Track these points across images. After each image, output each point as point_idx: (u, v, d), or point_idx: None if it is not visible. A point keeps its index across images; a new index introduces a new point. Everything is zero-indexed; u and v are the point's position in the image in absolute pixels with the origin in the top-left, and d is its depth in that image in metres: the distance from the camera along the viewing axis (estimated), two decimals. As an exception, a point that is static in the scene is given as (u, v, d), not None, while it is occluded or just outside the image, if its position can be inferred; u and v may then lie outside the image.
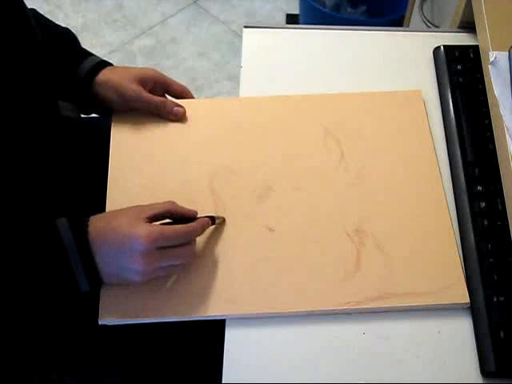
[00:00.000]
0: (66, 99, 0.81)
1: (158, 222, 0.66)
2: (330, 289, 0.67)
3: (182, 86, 0.84)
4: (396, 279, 0.68)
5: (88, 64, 0.79)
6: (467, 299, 0.67)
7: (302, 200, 0.74)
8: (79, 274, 0.63)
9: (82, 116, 0.88)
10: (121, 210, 0.67)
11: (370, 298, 0.67)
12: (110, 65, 0.81)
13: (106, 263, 0.64)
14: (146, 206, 0.67)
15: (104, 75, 0.79)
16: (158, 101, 0.79)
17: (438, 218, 0.72)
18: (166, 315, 0.66)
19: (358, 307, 0.66)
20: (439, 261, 0.69)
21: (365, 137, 0.79)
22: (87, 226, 0.64)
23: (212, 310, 0.66)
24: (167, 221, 0.67)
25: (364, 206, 0.73)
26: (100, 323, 0.66)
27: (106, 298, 0.67)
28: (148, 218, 0.64)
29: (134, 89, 0.78)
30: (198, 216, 0.68)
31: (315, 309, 0.66)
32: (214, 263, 0.69)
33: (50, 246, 0.63)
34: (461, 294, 0.67)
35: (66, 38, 0.82)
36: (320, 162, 0.77)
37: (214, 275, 0.68)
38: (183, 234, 0.65)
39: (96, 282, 0.65)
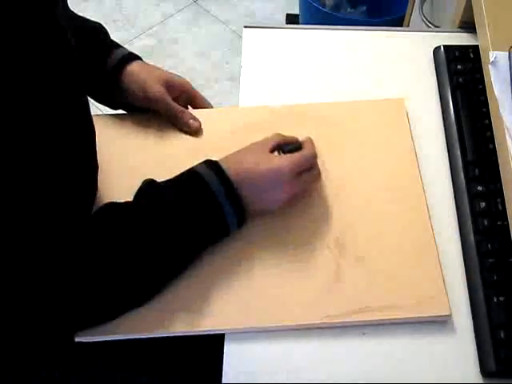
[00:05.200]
0: (95, 92, 0.81)
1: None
2: (308, 302, 0.66)
3: (208, 103, 0.84)
4: (376, 292, 0.67)
5: (119, 54, 0.79)
6: (448, 311, 0.65)
7: (281, 211, 0.72)
8: (228, 214, 0.66)
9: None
10: (242, 150, 0.70)
11: (349, 311, 0.65)
12: (140, 58, 0.81)
13: (249, 199, 0.67)
14: (262, 141, 0.71)
15: (133, 67, 0.79)
16: (177, 110, 0.80)
17: (420, 230, 0.71)
18: (143, 331, 0.65)
19: (336, 321, 0.65)
20: (420, 273, 0.68)
21: (346, 147, 0.78)
22: (224, 168, 0.67)
23: (190, 326, 0.65)
24: None
25: (345, 218, 0.72)
26: (76, 340, 0.65)
27: None
28: (270, 150, 0.70)
29: (158, 90, 0.78)
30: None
31: (293, 323, 0.65)
32: (194, 278, 0.68)
33: (199, 192, 0.65)
34: (442, 307, 0.66)
35: (99, 30, 0.82)
36: None
37: (194, 291, 0.67)
38: (311, 157, 0.71)
39: (243, 219, 0.68)
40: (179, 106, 0.80)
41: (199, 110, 0.84)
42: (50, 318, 0.61)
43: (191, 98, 0.84)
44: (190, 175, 0.67)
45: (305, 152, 0.71)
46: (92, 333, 0.65)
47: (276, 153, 0.71)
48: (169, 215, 0.64)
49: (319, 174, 0.73)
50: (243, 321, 0.66)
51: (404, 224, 0.72)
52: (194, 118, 0.81)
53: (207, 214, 0.65)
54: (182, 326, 0.66)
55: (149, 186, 0.66)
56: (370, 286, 0.67)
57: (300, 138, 0.74)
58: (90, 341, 0.65)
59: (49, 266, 0.58)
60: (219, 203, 0.65)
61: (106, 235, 0.62)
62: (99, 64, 0.79)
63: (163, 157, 0.78)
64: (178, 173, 0.68)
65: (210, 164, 0.68)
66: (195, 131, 0.80)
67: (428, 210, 0.73)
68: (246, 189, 0.67)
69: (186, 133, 0.80)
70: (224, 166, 0.67)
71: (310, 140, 0.73)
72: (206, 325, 0.65)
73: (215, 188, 0.65)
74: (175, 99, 0.81)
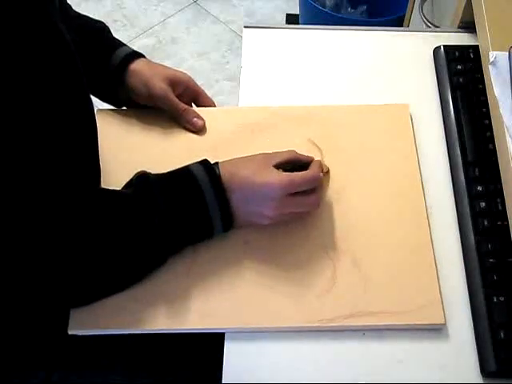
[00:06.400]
0: (99, 91, 0.81)
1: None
2: (303, 305, 0.66)
3: (211, 100, 0.84)
4: (371, 298, 0.67)
5: (122, 52, 0.79)
6: (442, 320, 0.65)
7: None
8: (215, 218, 0.66)
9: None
10: (246, 157, 0.69)
11: (343, 315, 0.65)
12: (143, 56, 0.81)
13: (237, 208, 0.67)
14: (271, 154, 0.70)
15: (137, 65, 0.79)
16: (181, 107, 0.79)
17: (419, 237, 0.71)
18: (138, 327, 0.65)
19: (329, 325, 0.65)
20: (417, 281, 0.68)
21: (348, 151, 0.78)
22: (220, 172, 0.67)
23: (184, 324, 0.65)
24: None
25: (343, 222, 0.72)
26: (70, 333, 0.65)
27: (77, 309, 0.66)
28: (274, 165, 0.68)
29: (162, 87, 0.78)
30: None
31: (287, 325, 0.65)
32: (189, 275, 0.68)
33: (188, 190, 0.66)
34: (436, 315, 0.66)
35: (102, 29, 0.82)
36: None
37: (189, 288, 0.67)
38: (311, 180, 0.68)
39: (229, 225, 0.68)
40: (183, 104, 0.80)
41: (202, 108, 0.83)
42: (45, 287, 0.63)
43: (195, 96, 0.84)
44: (184, 172, 0.67)
45: (306, 173, 0.69)
46: (85, 326, 0.65)
47: (280, 169, 0.68)
48: (152, 207, 0.64)
49: (318, 200, 0.70)
50: (239, 321, 0.66)
51: (403, 231, 0.71)
52: (198, 117, 0.80)
53: (192, 213, 0.66)
54: (175, 323, 0.66)
55: (139, 177, 0.67)
56: (365, 292, 0.67)
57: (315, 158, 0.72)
58: (83, 334, 0.66)
59: (43, 241, 0.60)
60: (206, 204, 0.65)
61: (94, 218, 0.63)
62: (103, 63, 0.79)
63: (164, 153, 0.78)
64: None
65: (206, 165, 0.68)
66: (199, 129, 0.80)
67: (428, 218, 0.72)
68: (235, 197, 0.67)
69: (189, 131, 0.80)
70: (220, 169, 0.67)
71: (318, 163, 0.71)
72: (205, 323, 0.65)
73: (205, 189, 0.65)
74: (179, 96, 0.81)
